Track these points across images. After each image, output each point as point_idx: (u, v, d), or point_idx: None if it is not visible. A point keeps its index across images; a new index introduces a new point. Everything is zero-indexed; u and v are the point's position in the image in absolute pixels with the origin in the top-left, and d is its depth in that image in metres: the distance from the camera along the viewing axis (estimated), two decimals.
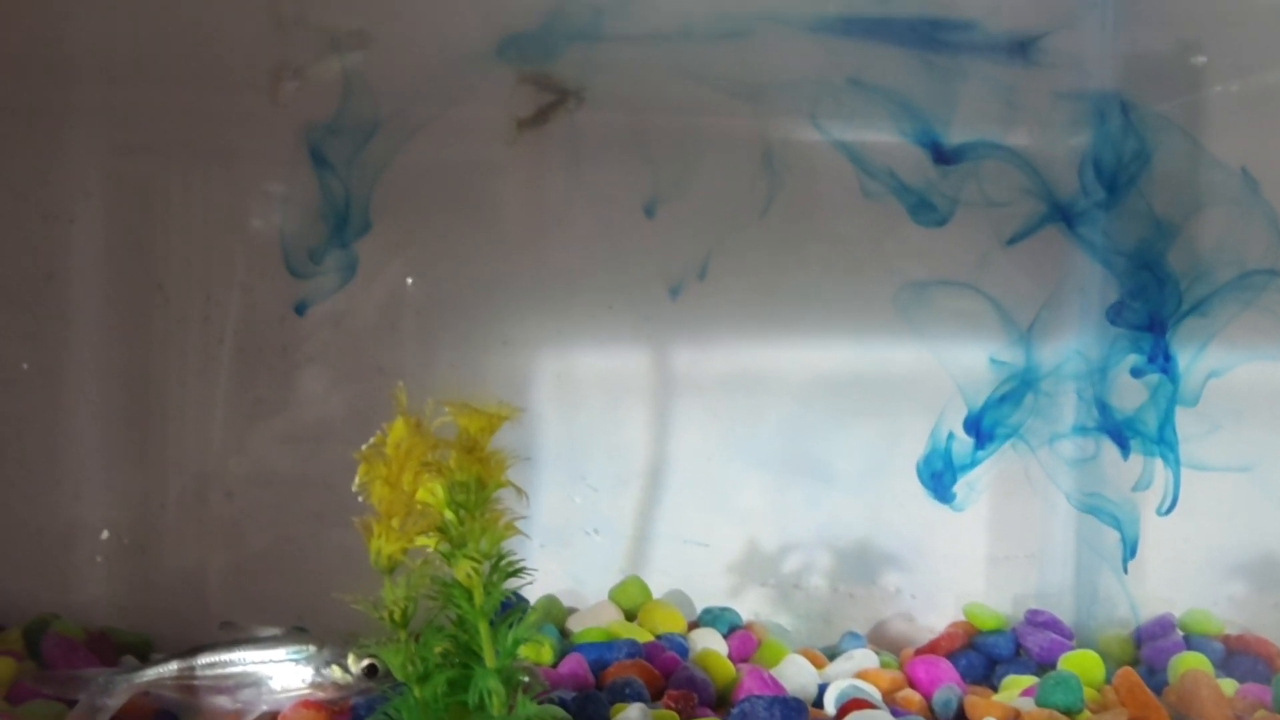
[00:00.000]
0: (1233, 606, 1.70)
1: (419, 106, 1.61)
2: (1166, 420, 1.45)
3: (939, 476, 1.55)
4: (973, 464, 1.60)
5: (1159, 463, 1.54)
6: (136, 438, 1.64)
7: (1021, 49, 1.43)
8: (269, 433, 1.67)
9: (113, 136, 1.60)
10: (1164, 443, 1.46)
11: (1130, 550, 1.54)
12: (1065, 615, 1.68)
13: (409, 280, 1.65)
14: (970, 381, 1.61)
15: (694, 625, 1.64)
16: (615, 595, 1.65)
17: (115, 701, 1.20)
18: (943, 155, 1.45)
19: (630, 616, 1.63)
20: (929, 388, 1.65)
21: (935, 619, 1.71)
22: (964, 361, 1.61)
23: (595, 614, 1.61)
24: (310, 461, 1.66)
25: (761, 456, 1.72)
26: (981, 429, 1.52)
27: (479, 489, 1.13)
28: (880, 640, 1.71)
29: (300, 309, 1.63)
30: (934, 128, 1.51)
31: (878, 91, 1.54)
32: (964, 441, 1.59)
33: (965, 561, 1.73)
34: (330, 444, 1.65)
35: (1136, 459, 1.56)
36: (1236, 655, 1.58)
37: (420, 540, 1.12)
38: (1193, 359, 1.47)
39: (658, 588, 1.69)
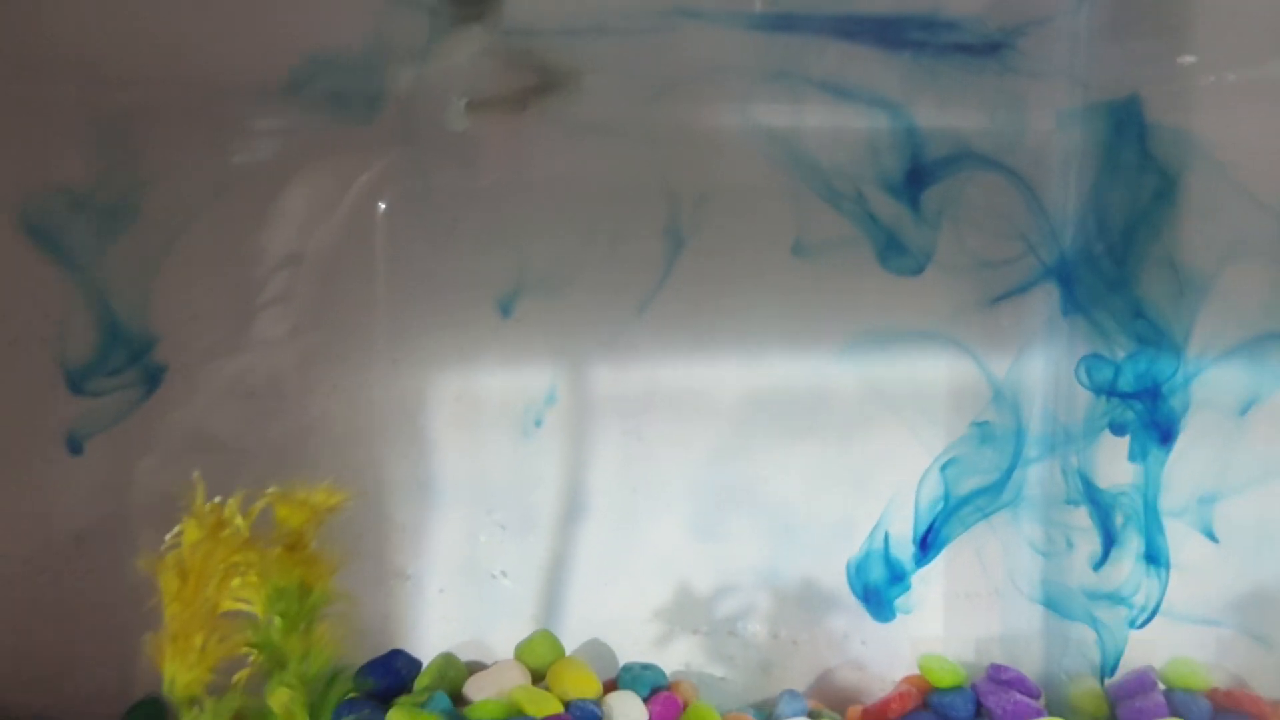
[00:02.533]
0: (1221, 650, 1.51)
1: None
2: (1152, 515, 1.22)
3: (876, 592, 1.33)
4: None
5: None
6: None
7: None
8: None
9: None
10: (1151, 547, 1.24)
11: (1112, 665, 1.33)
12: (1033, 662, 1.50)
13: None
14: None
15: (611, 685, 1.45)
16: (521, 653, 1.46)
17: None
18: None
19: (538, 677, 1.43)
20: (883, 408, 1.44)
21: (888, 667, 1.52)
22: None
23: (497, 676, 1.42)
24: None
25: (692, 487, 1.52)
26: (934, 538, 1.29)
27: (303, 596, 0.91)
28: (826, 693, 1.52)
29: None
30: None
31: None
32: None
33: (921, 601, 1.53)
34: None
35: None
36: (1226, 714, 1.39)
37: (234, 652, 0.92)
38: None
39: (574, 637, 1.50)
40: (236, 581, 0.89)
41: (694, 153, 1.39)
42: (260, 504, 0.92)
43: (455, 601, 1.51)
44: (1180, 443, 1.21)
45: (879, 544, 1.32)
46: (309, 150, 1.38)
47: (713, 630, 1.54)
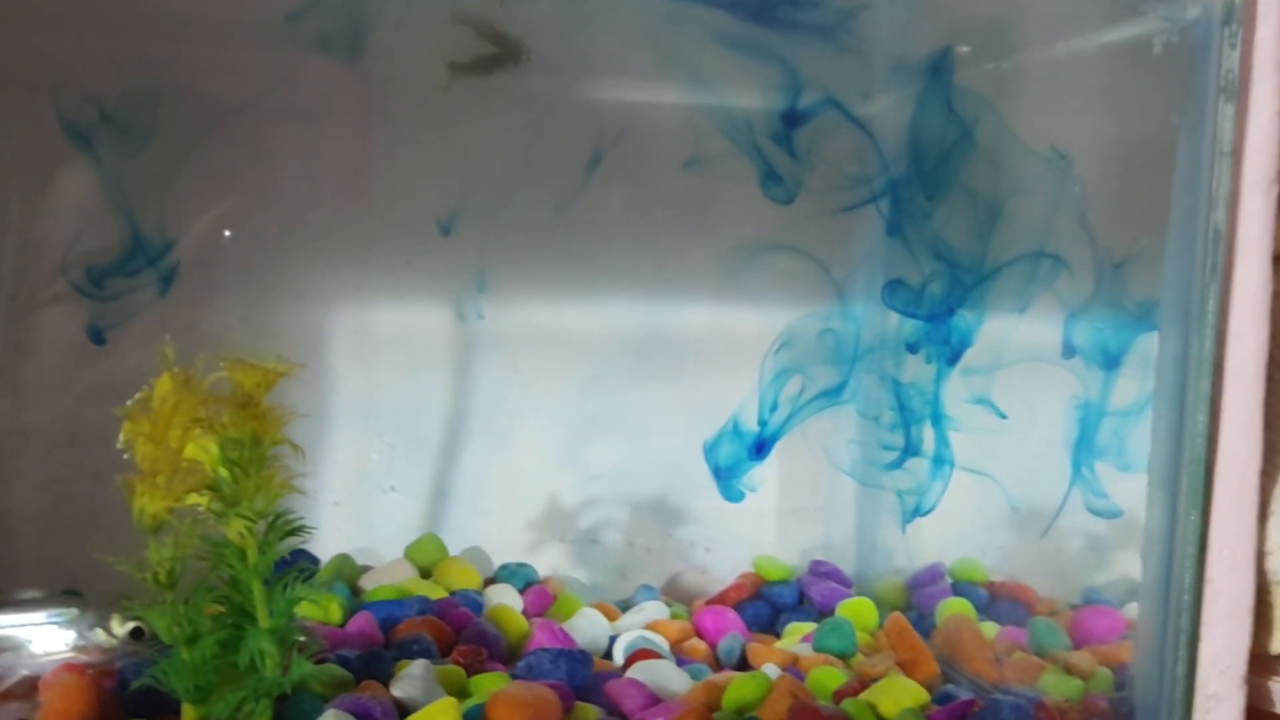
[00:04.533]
0: (1000, 555, 1.81)
1: None
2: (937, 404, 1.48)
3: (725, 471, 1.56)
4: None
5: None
6: None
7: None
8: (44, 385, 1.58)
9: None
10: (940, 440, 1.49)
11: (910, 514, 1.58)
12: (847, 566, 1.76)
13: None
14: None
15: (490, 581, 1.65)
16: (410, 553, 1.64)
17: None
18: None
19: (426, 574, 1.62)
20: (727, 347, 1.69)
21: (728, 571, 1.76)
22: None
23: (389, 572, 1.60)
24: (88, 417, 1.58)
25: (561, 413, 1.74)
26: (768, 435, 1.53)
27: (254, 446, 1.10)
28: (674, 592, 1.75)
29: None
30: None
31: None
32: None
33: (757, 515, 1.79)
34: (112, 402, 1.56)
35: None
36: (999, 600, 1.68)
37: (191, 499, 1.09)
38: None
39: (456, 545, 1.69)
40: (196, 432, 1.07)
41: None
42: (219, 371, 1.10)
43: (349, 513, 1.69)
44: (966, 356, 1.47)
45: (730, 428, 1.55)
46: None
47: (577, 539, 1.76)
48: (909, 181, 1.41)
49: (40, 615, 1.14)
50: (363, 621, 1.41)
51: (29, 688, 1.15)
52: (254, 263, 1.61)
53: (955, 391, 1.45)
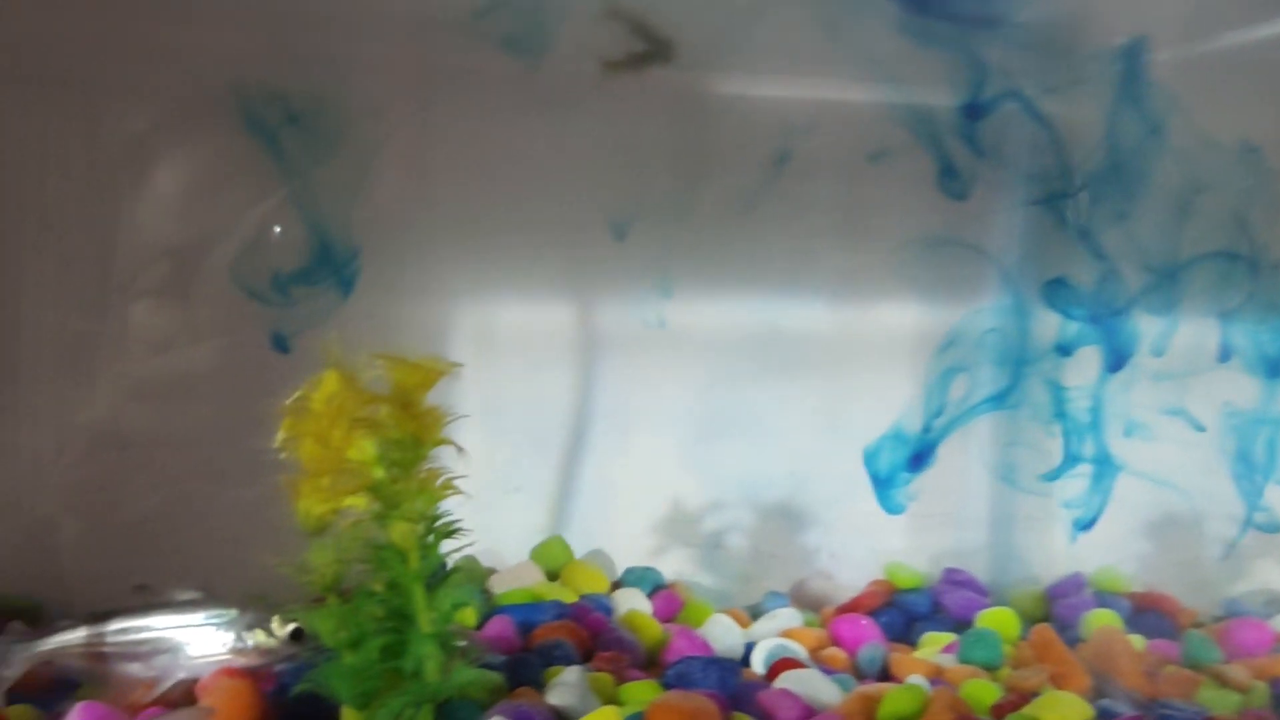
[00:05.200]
0: (1139, 564, 1.75)
1: None
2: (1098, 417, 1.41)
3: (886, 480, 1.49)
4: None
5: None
6: (22, 389, 1.52)
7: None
8: (167, 384, 1.57)
9: None
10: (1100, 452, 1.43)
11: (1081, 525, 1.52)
12: (979, 574, 1.71)
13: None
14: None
15: (617, 585, 1.62)
16: (537, 555, 1.62)
17: (14, 672, 1.12)
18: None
19: (552, 577, 1.60)
20: (860, 347, 1.65)
21: (854, 577, 1.72)
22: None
23: (517, 575, 1.58)
24: (214, 416, 1.57)
25: (686, 414, 1.70)
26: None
27: (414, 447, 1.07)
28: (800, 599, 1.71)
29: None
30: None
31: None
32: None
33: (883, 521, 1.74)
34: (237, 399, 1.56)
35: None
36: (1144, 612, 1.63)
37: (349, 500, 1.07)
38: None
39: (578, 548, 1.66)
40: (358, 433, 1.05)
41: None
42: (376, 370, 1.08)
43: (473, 514, 1.66)
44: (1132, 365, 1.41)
45: (891, 433, 1.50)
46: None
47: (701, 543, 1.72)
48: (1092, 177, 1.35)
49: (198, 616, 1.13)
50: (500, 625, 1.38)
51: (186, 691, 1.14)
52: (431, 264, 1.60)
53: (1125, 397, 1.39)
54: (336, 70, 1.46)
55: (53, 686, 1.22)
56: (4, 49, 1.45)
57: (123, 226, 1.50)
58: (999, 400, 1.49)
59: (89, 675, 1.13)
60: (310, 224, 1.48)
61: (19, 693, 1.17)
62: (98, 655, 1.12)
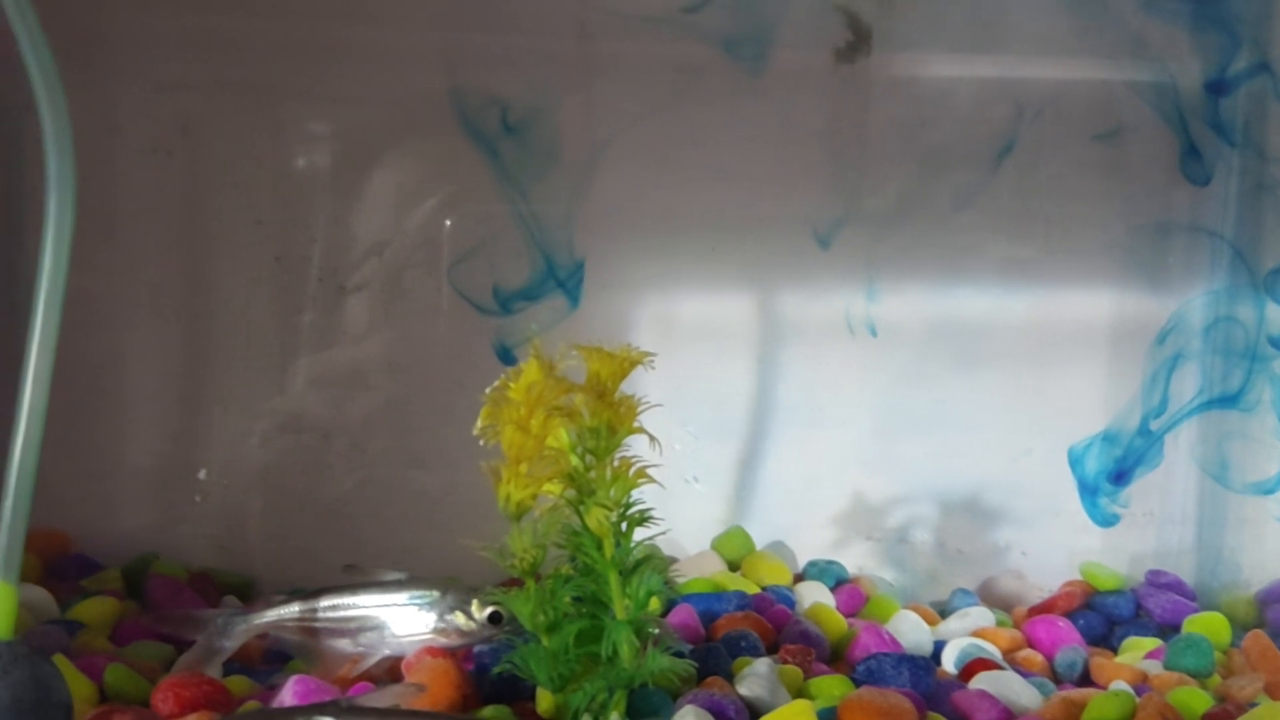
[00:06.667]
0: None
1: None
2: None
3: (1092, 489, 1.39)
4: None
5: None
6: (235, 377, 1.61)
7: None
8: (373, 374, 1.63)
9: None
10: None
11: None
12: (1185, 577, 1.62)
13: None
14: None
15: (799, 578, 1.60)
16: (718, 545, 1.61)
17: (233, 643, 1.18)
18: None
19: (733, 567, 1.59)
20: (1052, 338, 1.58)
21: (1045, 577, 1.65)
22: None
23: (698, 564, 1.58)
24: (412, 405, 1.62)
25: (869, 406, 1.67)
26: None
27: (609, 435, 1.08)
28: (989, 598, 1.65)
29: None
30: None
31: None
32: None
33: (1078, 519, 1.67)
34: (433, 391, 1.61)
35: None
36: None
37: (547, 487, 1.09)
38: None
39: (758, 539, 1.65)
40: (556, 421, 1.06)
41: None
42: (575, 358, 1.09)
43: (652, 503, 1.67)
44: None
45: (1102, 435, 1.42)
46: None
47: (885, 537, 1.69)
48: None
49: (402, 596, 1.17)
50: (684, 614, 1.38)
51: (389, 668, 1.18)
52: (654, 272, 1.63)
53: None
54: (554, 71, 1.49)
55: (266, 658, 1.28)
56: (219, 56, 1.53)
57: (336, 226, 1.57)
58: (1232, 400, 1.39)
59: (300, 649, 1.19)
60: (533, 239, 1.52)
61: (234, 664, 1.24)
62: (309, 630, 1.17)
